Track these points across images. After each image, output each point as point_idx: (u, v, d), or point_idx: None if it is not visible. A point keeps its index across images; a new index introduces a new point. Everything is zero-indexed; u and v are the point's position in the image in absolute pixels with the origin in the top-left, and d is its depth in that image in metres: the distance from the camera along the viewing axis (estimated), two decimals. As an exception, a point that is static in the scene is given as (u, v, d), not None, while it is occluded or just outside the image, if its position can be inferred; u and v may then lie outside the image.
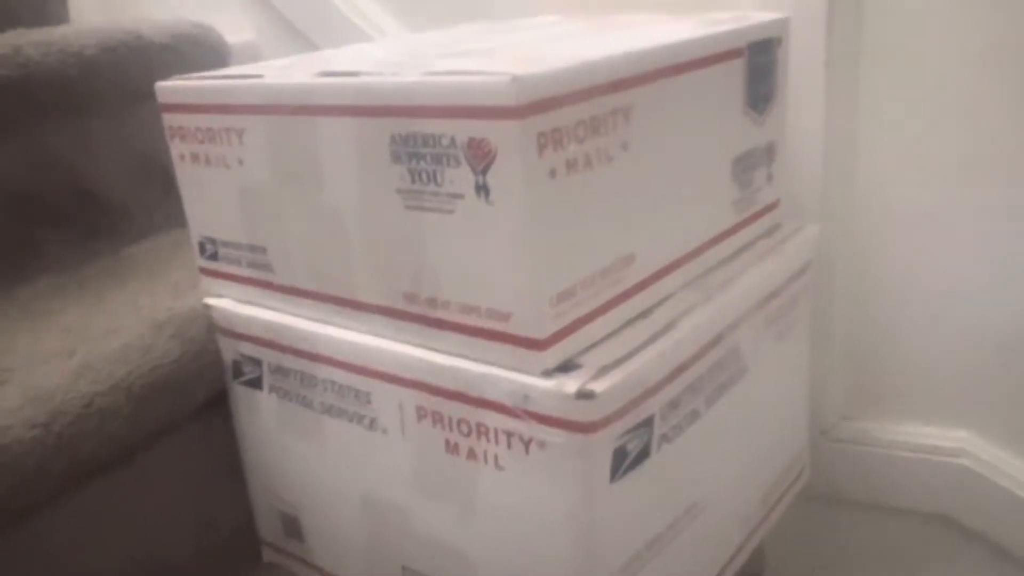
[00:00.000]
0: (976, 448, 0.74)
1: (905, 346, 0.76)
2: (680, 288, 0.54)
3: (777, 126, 0.62)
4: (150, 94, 0.58)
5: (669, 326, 0.50)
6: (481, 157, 0.43)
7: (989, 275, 0.70)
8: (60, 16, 0.93)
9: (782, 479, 0.67)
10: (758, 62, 0.57)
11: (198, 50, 0.84)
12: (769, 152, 0.61)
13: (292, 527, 0.63)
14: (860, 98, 0.71)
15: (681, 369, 0.50)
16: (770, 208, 0.63)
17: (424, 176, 0.45)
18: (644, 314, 0.51)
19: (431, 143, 0.44)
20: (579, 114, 0.44)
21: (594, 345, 0.48)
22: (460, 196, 0.44)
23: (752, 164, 0.59)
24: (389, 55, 0.56)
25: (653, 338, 0.49)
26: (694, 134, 0.53)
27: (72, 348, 0.58)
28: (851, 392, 0.79)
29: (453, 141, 0.43)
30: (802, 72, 0.67)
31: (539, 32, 0.60)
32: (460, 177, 0.44)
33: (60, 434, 0.52)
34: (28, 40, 0.72)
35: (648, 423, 0.48)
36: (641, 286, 0.51)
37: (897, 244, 0.74)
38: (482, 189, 0.43)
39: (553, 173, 0.43)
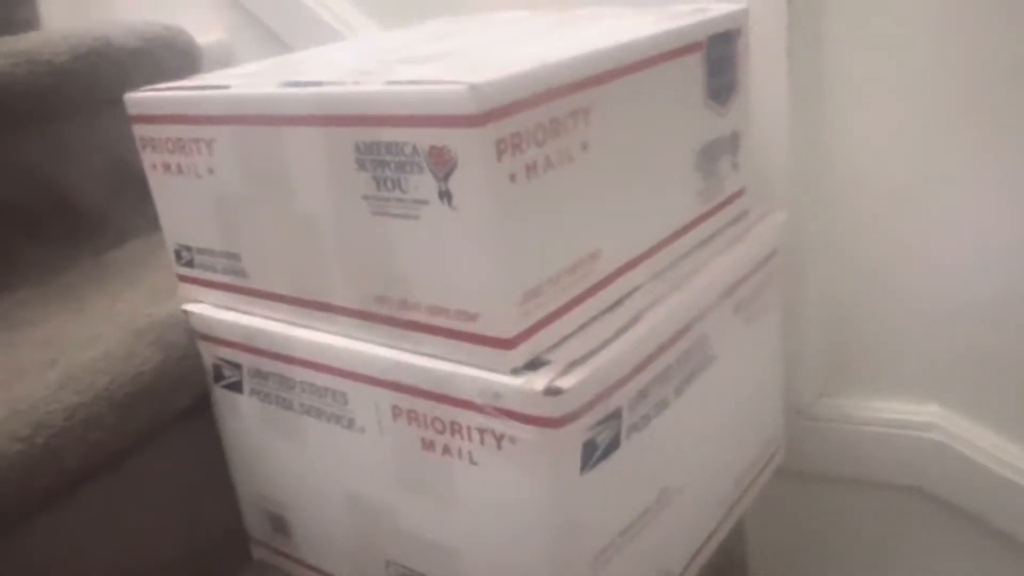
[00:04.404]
0: (947, 422, 0.75)
1: (877, 324, 0.77)
2: (647, 280, 0.55)
3: (741, 115, 0.62)
4: (122, 98, 0.58)
5: (636, 319, 0.52)
6: (442, 164, 0.44)
7: (958, 250, 0.72)
8: (30, 22, 0.93)
9: (757, 459, 0.68)
10: (718, 54, 0.58)
11: (169, 52, 0.85)
12: (733, 141, 0.62)
13: (279, 525, 0.64)
14: (823, 82, 0.72)
15: (648, 360, 0.51)
16: (736, 196, 0.64)
17: (389, 183, 0.46)
18: (611, 308, 0.52)
19: (394, 151, 0.45)
20: (537, 117, 0.45)
21: (562, 341, 0.49)
22: (424, 202, 0.45)
23: (716, 154, 0.60)
24: (355, 60, 0.57)
25: (620, 331, 0.50)
26: (655, 128, 0.54)
27: (53, 358, 0.59)
28: (826, 370, 0.80)
29: (415, 149, 0.44)
30: (765, 60, 0.68)
31: (502, 31, 0.61)
32: (423, 184, 0.45)
33: (45, 446, 0.53)
34: (-4, 51, 0.73)
35: (616, 415, 0.49)
36: (607, 281, 0.52)
37: (867, 223, 0.75)
38: (445, 195, 0.44)
39: (513, 177, 0.44)
